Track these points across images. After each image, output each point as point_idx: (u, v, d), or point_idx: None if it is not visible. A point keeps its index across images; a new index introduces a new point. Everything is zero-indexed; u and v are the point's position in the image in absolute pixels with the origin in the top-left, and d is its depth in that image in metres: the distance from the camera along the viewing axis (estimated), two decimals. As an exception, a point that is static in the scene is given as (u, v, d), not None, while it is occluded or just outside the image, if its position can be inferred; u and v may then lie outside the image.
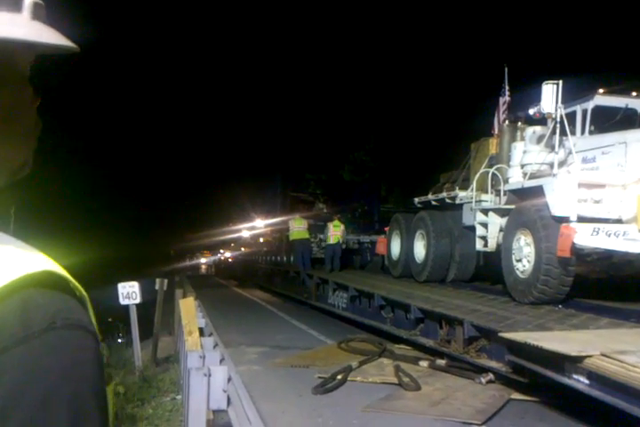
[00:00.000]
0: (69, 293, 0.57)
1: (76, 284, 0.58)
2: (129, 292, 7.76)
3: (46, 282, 0.55)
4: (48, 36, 0.61)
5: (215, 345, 6.36)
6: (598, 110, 7.89)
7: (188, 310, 6.60)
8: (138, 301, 7.81)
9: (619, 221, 6.89)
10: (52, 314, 0.53)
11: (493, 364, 6.50)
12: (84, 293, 0.59)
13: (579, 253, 7.08)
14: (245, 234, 30.20)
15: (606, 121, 7.79)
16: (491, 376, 6.51)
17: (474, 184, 9.65)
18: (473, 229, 9.57)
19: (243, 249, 32.82)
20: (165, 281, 10.15)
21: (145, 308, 8.70)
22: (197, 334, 6.16)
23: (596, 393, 4.58)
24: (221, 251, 47.60)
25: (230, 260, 40.38)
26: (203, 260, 54.59)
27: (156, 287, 9.82)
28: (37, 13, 0.62)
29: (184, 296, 9.40)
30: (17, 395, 0.49)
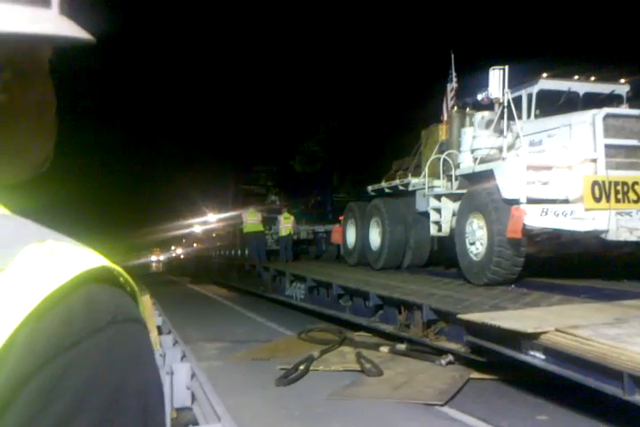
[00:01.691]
0: (123, 288, 0.58)
1: (128, 278, 0.59)
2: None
3: (104, 277, 0.55)
4: (73, 30, 0.63)
5: (175, 342, 6.22)
6: (543, 94, 8.11)
7: (145, 308, 6.42)
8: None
9: (566, 202, 7.12)
10: (113, 309, 0.54)
11: (452, 345, 6.63)
12: (135, 287, 0.60)
13: (529, 234, 7.29)
14: (197, 229, 29.74)
15: (551, 104, 8.04)
16: (450, 358, 6.63)
17: (426, 170, 9.78)
18: (427, 214, 9.72)
19: (195, 245, 32.33)
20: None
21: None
22: (156, 332, 6.02)
23: (552, 368, 4.72)
24: (172, 247, 46.75)
25: (182, 256, 39.71)
26: (153, 257, 53.48)
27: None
28: (63, 7, 0.64)
29: (138, 294, 9.14)
30: (91, 387, 0.49)
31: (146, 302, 6.47)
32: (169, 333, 6.95)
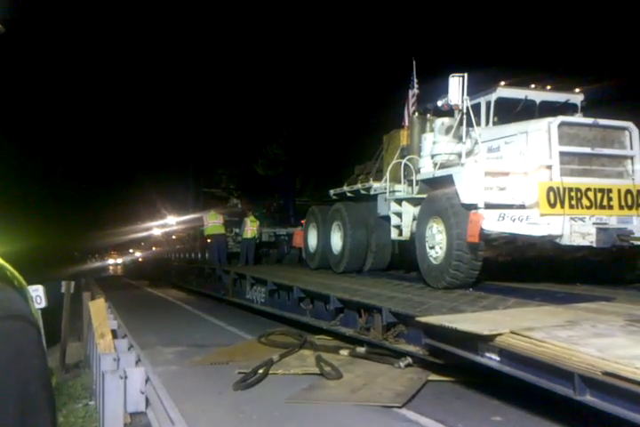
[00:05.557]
0: (8, 282, 0.52)
1: (14, 272, 0.53)
2: (33, 296, 7.22)
3: None
4: None
5: (130, 347, 6.07)
6: (501, 102, 8.31)
7: (99, 311, 6.26)
8: (43, 305, 7.28)
9: (522, 207, 7.29)
10: None
11: (411, 348, 6.67)
12: (23, 282, 0.54)
13: (486, 238, 7.43)
14: (157, 232, 29.22)
15: (508, 112, 8.23)
16: (409, 360, 6.68)
17: (387, 175, 9.88)
18: (388, 218, 9.80)
19: (154, 248, 31.78)
20: (72, 284, 9.58)
21: (50, 313, 8.14)
22: (110, 336, 5.85)
23: (506, 369, 4.80)
24: (131, 250, 45.91)
25: (141, 259, 38.99)
26: (110, 261, 52.45)
27: (62, 290, 9.24)
28: None
29: (92, 299, 8.90)
30: None
31: (100, 306, 6.29)
32: (124, 337, 6.79)
